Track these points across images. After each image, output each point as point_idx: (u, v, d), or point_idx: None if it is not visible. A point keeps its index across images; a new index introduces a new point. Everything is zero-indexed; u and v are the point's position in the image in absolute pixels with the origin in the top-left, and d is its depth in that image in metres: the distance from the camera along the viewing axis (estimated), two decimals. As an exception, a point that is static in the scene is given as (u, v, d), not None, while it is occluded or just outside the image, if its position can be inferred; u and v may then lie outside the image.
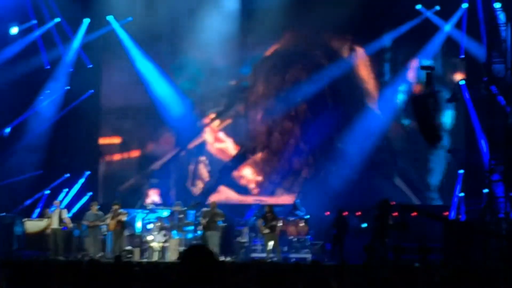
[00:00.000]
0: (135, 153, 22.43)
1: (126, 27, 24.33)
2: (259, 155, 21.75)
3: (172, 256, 20.20)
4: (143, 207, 22.02)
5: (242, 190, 22.20)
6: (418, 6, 22.52)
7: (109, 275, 7.21)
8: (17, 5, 23.48)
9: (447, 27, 22.47)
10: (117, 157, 22.66)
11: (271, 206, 20.53)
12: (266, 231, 19.86)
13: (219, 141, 21.91)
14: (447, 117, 22.74)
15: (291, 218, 21.17)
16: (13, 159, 23.90)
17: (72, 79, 24.76)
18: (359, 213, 21.97)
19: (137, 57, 24.33)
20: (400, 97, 23.19)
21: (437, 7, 22.37)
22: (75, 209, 23.63)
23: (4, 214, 21.96)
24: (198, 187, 22.22)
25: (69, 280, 7.44)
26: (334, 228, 19.90)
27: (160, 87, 24.15)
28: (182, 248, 20.18)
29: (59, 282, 7.27)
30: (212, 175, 22.56)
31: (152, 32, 23.76)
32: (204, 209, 20.72)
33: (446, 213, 21.23)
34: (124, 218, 20.52)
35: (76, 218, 21.92)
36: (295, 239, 20.79)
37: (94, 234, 20.66)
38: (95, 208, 20.90)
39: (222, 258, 19.49)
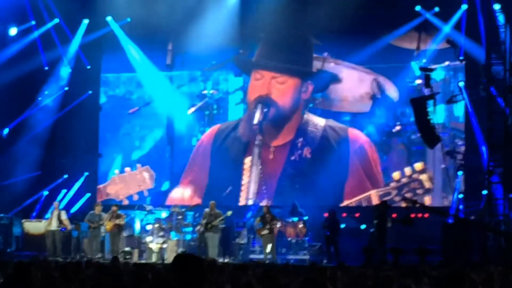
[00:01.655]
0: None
1: (125, 26, 24.17)
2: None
3: (170, 257, 20.17)
4: (142, 208, 22.01)
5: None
6: (418, 8, 22.40)
7: (106, 276, 7.20)
8: (15, 5, 23.49)
9: (447, 29, 22.41)
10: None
11: (269, 207, 20.56)
12: (265, 232, 19.85)
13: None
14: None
15: (290, 220, 21.15)
16: (12, 160, 23.90)
17: (70, 80, 24.76)
18: (358, 214, 21.98)
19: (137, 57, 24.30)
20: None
21: (436, 9, 22.26)
22: (73, 210, 23.63)
23: (2, 215, 21.95)
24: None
25: (67, 281, 7.43)
26: (326, 229, 19.85)
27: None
28: (180, 250, 20.21)
29: (57, 283, 7.26)
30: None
31: (153, 30, 23.61)
32: (206, 210, 20.78)
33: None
34: (122, 222, 20.55)
35: (74, 219, 21.90)
36: (294, 240, 20.77)
37: (95, 235, 20.67)
38: (99, 209, 20.89)
39: (221, 260, 19.49)
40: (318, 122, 21.93)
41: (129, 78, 24.02)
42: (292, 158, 22.16)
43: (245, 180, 22.69)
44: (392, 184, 20.94)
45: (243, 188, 22.76)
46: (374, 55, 21.69)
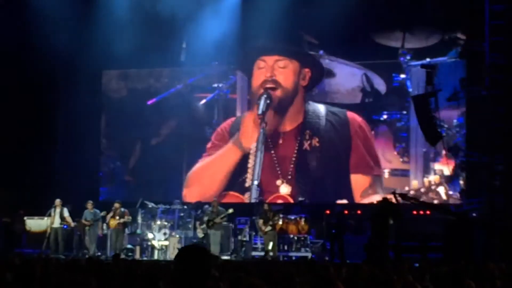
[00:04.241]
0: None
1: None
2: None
3: (172, 254, 20.22)
4: (144, 205, 22.07)
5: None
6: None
7: (108, 273, 7.22)
8: None
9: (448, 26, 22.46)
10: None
11: (270, 205, 20.73)
12: (268, 228, 19.91)
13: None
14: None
15: (292, 217, 21.21)
16: (14, 157, 24.00)
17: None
18: (360, 211, 22.02)
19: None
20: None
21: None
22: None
23: (4, 212, 22.01)
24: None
25: (70, 278, 7.44)
26: (333, 227, 19.85)
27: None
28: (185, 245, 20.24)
29: (59, 281, 7.28)
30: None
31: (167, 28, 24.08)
32: (206, 206, 20.88)
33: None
34: (128, 219, 20.63)
35: (78, 216, 21.97)
36: (296, 237, 20.81)
37: (92, 232, 20.78)
38: (91, 206, 21.03)
39: (224, 257, 19.57)
40: (320, 110, 23.86)
41: (147, 73, 25.38)
42: (304, 147, 23.73)
43: (250, 163, 24.05)
44: (412, 192, 22.18)
45: (249, 170, 24.05)
46: (364, 53, 23.39)
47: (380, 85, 23.53)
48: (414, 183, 22.88)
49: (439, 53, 22.57)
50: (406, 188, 22.43)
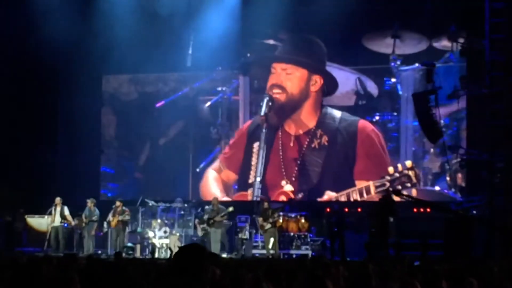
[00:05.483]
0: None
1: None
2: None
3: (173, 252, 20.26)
4: (144, 203, 22.10)
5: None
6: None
7: (109, 272, 7.23)
8: None
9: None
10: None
11: (269, 202, 20.78)
12: (268, 226, 19.96)
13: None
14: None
15: (292, 215, 21.24)
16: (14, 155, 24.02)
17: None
18: (360, 209, 22.06)
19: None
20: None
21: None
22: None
23: (5, 210, 22.03)
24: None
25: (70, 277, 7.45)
26: (334, 225, 19.87)
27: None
28: (183, 245, 20.28)
29: (60, 279, 7.29)
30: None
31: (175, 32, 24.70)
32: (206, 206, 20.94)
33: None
34: (126, 218, 20.68)
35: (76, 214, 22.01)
36: (296, 235, 20.85)
37: (88, 230, 20.83)
38: (92, 204, 21.07)
39: (224, 255, 19.59)
40: (336, 114, 24.66)
41: (156, 78, 26.23)
42: (313, 145, 24.50)
43: (254, 161, 24.84)
44: (387, 177, 22.84)
45: (252, 168, 24.79)
46: (358, 58, 24.42)
47: (373, 88, 24.52)
48: (390, 168, 23.03)
49: (428, 59, 22.80)
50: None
